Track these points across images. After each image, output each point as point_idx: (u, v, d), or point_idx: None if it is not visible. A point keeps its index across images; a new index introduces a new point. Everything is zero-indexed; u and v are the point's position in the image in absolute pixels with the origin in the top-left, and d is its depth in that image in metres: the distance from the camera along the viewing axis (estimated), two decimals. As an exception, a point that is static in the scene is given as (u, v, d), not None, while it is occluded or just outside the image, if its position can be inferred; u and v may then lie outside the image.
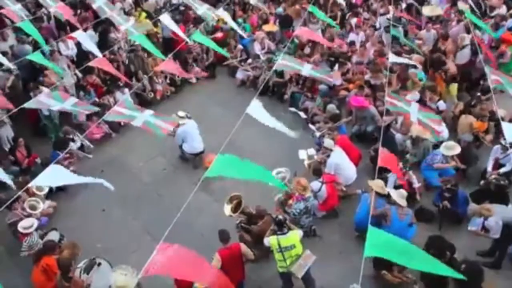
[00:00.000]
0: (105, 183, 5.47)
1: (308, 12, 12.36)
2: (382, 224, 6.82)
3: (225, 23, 12.86)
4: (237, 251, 6.35)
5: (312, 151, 8.69)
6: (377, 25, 12.89)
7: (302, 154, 8.61)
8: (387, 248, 4.23)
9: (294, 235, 6.30)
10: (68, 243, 6.78)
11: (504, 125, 6.84)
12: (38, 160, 9.15)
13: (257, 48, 12.64)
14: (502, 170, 7.82)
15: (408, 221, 6.92)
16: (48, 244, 6.69)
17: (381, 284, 6.64)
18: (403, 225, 6.85)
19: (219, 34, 13.28)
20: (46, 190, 8.05)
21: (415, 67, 10.02)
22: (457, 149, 7.93)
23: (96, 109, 9.05)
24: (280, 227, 6.26)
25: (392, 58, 8.48)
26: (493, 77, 7.77)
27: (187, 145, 9.23)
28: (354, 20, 13.03)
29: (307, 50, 11.92)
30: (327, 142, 8.31)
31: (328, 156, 8.21)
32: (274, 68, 7.95)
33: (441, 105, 9.43)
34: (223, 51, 10.48)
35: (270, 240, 6.29)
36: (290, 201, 7.50)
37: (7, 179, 6.98)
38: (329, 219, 7.99)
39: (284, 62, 7.79)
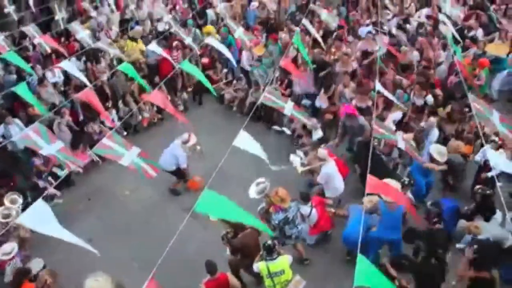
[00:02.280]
0: (90, 248, 5.40)
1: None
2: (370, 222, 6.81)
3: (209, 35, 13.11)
4: (224, 281, 6.24)
5: (300, 153, 9.01)
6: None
7: (295, 160, 8.60)
8: (374, 278, 4.22)
9: (284, 260, 6.21)
10: (48, 272, 6.59)
11: (489, 153, 6.87)
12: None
13: (245, 58, 12.70)
14: (490, 174, 7.85)
15: (400, 212, 6.81)
16: (21, 270, 6.55)
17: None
18: (395, 215, 6.76)
19: (205, 60, 13.28)
20: (20, 201, 7.88)
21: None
22: (445, 158, 8.06)
23: (79, 168, 8.95)
24: (270, 252, 6.15)
25: (378, 87, 8.53)
26: (476, 106, 7.88)
27: None
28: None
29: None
30: (320, 152, 8.30)
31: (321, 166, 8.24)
32: (259, 101, 7.88)
33: (429, 99, 9.60)
34: (210, 87, 10.20)
35: (259, 266, 6.19)
36: (271, 210, 7.33)
37: None
38: (319, 243, 7.91)
39: (269, 97, 7.80)
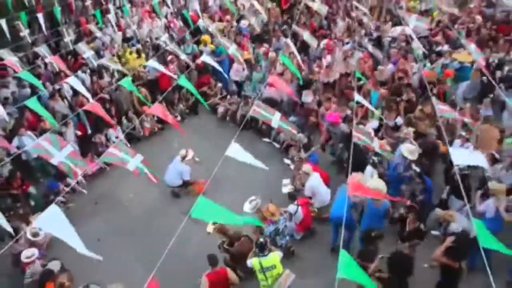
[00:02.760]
0: (94, 255, 5.30)
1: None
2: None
3: (206, 44, 13.64)
4: (223, 275, 6.44)
5: (287, 161, 9.85)
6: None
7: (285, 188, 8.91)
8: (354, 271, 4.52)
9: (275, 256, 6.43)
10: (66, 276, 6.69)
11: (451, 150, 6.92)
12: (32, 190, 9.24)
13: (235, 69, 12.95)
14: (454, 170, 7.83)
15: (385, 208, 6.98)
16: (45, 272, 6.78)
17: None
18: (378, 212, 6.94)
19: (198, 61, 12.92)
20: None
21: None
22: (416, 155, 7.99)
23: (83, 190, 9.48)
24: (262, 249, 6.37)
25: (357, 97, 8.69)
26: (441, 107, 8.08)
27: None
28: (324, 42, 13.59)
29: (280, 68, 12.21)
30: (305, 167, 8.52)
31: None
32: (248, 114, 7.99)
33: (399, 121, 9.78)
34: (204, 102, 10.40)
35: (252, 262, 6.39)
36: (263, 226, 7.61)
37: (7, 226, 7.00)
38: (306, 239, 8.16)
39: (258, 110, 7.91)
